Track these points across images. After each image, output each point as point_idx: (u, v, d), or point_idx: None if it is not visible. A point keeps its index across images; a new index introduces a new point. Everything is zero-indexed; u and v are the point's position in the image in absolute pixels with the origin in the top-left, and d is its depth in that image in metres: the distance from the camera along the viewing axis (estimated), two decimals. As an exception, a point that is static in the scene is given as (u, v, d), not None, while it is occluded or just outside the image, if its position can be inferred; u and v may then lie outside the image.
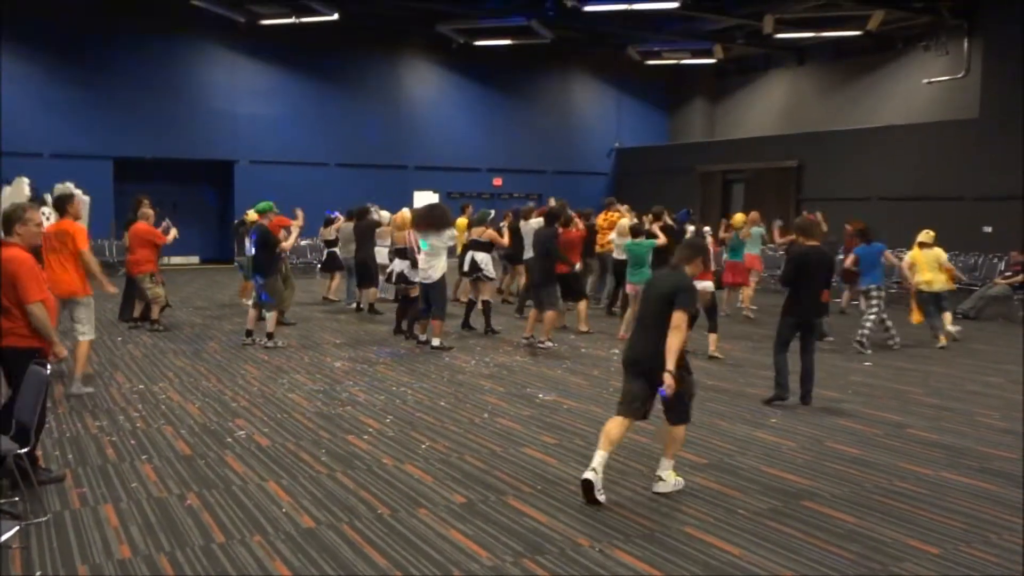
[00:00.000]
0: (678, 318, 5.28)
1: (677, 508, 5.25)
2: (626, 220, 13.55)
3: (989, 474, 6.04)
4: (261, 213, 11.12)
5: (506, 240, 12.83)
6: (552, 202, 14.67)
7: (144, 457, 6.15)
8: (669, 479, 5.56)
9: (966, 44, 20.77)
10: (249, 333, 10.93)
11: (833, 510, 5.25)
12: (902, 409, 8.01)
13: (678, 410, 5.52)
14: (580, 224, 13.01)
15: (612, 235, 13.23)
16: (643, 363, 5.43)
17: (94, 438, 6.62)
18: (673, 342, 5.23)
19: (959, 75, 20.95)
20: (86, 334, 7.97)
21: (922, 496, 5.53)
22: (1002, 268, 16.57)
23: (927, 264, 11.88)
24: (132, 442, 6.53)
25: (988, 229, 18.43)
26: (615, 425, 5.42)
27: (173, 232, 12.29)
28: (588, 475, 5.27)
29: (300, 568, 4.31)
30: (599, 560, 4.46)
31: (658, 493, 5.50)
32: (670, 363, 5.20)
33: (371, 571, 4.29)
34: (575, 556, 4.50)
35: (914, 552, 4.62)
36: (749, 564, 4.43)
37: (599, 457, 5.32)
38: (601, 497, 5.24)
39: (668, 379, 5.18)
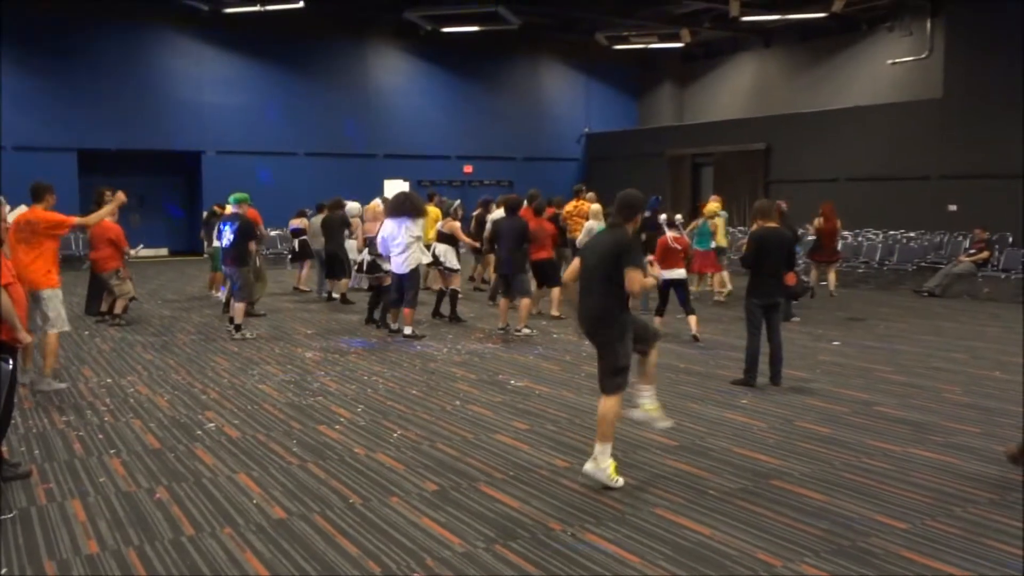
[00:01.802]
0: (632, 277, 5.16)
1: (648, 490, 5.28)
2: (597, 206, 13.57)
3: (954, 449, 6.13)
4: (238, 204, 10.99)
5: (469, 241, 12.76)
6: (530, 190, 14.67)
7: (112, 451, 6.08)
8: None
9: (929, 25, 20.99)
10: (238, 328, 10.79)
11: (802, 488, 5.31)
12: (869, 387, 8.11)
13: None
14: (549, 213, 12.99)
15: (590, 221, 13.25)
16: (593, 329, 5.43)
17: (61, 433, 6.54)
18: (638, 294, 5.39)
19: (923, 56, 21.18)
20: (55, 326, 7.84)
21: (889, 472, 5.61)
22: (966, 246, 16.82)
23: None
24: (100, 436, 6.46)
25: (953, 208, 18.70)
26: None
27: (137, 250, 12.07)
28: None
29: (271, 559, 4.29)
30: (571, 544, 4.47)
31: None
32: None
33: (343, 560, 4.28)
34: (547, 541, 4.52)
35: (881, 527, 4.68)
36: (719, 544, 4.46)
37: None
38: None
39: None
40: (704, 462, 5.84)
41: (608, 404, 5.38)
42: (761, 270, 8.03)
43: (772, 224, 8.22)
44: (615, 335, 5.34)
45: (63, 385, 8.07)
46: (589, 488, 5.31)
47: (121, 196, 9.05)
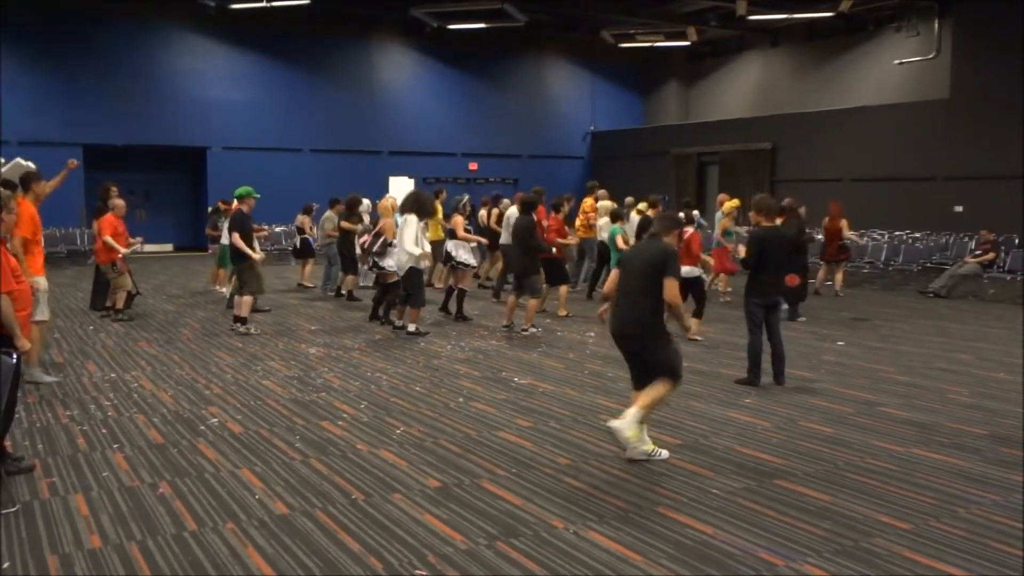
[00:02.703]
0: (670, 286, 5.65)
1: (651, 488, 5.27)
2: (608, 203, 13.59)
3: (958, 450, 6.11)
4: (240, 198, 10.99)
5: (469, 237, 12.59)
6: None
7: (115, 446, 6.09)
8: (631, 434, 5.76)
9: (937, 25, 20.92)
10: (244, 321, 10.79)
11: (806, 488, 5.29)
12: (874, 387, 8.09)
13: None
14: (565, 208, 12.96)
15: (601, 219, 13.26)
16: (629, 334, 5.80)
17: (64, 427, 6.55)
18: (677, 307, 5.75)
19: (930, 56, 21.11)
20: (36, 315, 7.78)
21: (893, 473, 5.59)
22: (972, 247, 16.77)
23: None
24: (103, 431, 6.47)
25: (959, 209, 18.65)
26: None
27: (138, 242, 11.98)
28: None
29: (273, 555, 4.29)
30: (573, 542, 4.47)
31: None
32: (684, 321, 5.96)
33: (345, 556, 4.28)
34: (549, 538, 4.51)
35: (885, 528, 4.67)
36: (722, 543, 4.46)
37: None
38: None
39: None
40: (707, 461, 5.83)
41: (661, 387, 5.73)
42: (762, 270, 8.00)
43: (771, 223, 8.19)
44: (650, 336, 5.76)
45: (55, 378, 8.04)
46: (592, 486, 5.30)
47: (71, 163, 9.50)
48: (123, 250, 11.26)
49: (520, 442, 6.26)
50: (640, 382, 5.88)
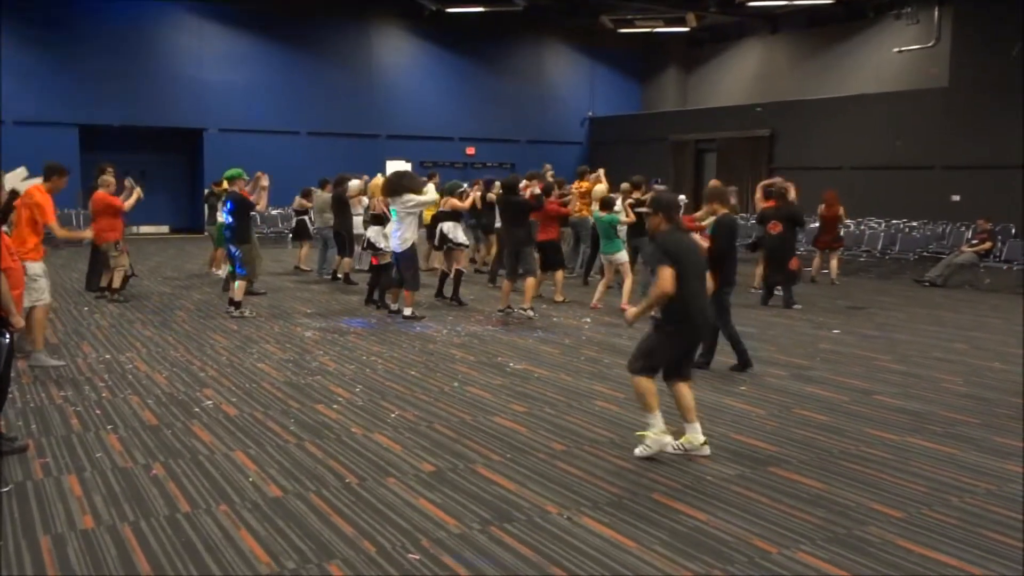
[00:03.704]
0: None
1: (645, 475, 5.27)
2: (603, 186, 13.55)
3: (952, 438, 6.12)
4: (230, 180, 10.95)
5: (467, 203, 12.56)
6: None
7: (109, 427, 6.08)
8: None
9: (936, 13, 20.85)
10: (239, 305, 10.76)
11: (800, 476, 5.30)
12: (869, 376, 8.09)
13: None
14: (557, 191, 12.94)
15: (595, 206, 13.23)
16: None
17: (59, 408, 6.53)
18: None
19: (929, 44, 21.05)
20: (41, 299, 7.79)
21: (887, 461, 5.60)
22: (968, 236, 16.77)
23: None
24: (97, 412, 6.45)
25: (956, 198, 18.64)
26: (644, 384, 5.63)
27: (137, 193, 11.93)
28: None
29: (266, 537, 4.28)
30: (567, 527, 4.47)
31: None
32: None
33: (338, 540, 4.27)
34: (543, 523, 4.51)
35: (878, 516, 4.68)
36: (715, 530, 4.46)
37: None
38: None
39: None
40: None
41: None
42: (729, 257, 7.89)
43: (727, 210, 8.05)
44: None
45: (60, 362, 8.04)
46: (586, 472, 5.30)
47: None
48: (129, 203, 11.52)
49: (515, 427, 6.25)
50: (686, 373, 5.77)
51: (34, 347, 7.88)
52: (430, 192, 10.94)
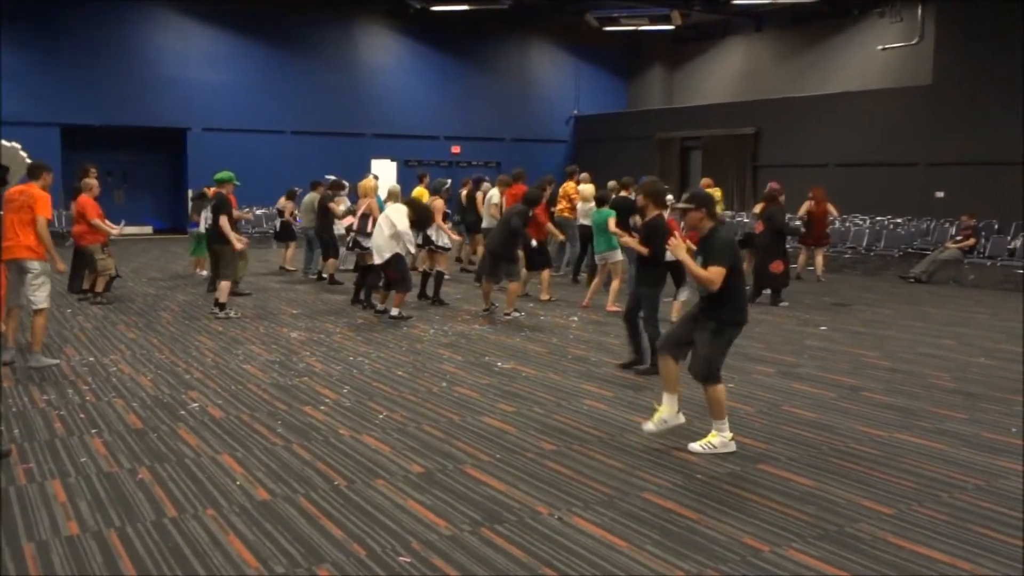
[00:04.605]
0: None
1: (635, 474, 5.26)
2: (590, 187, 13.53)
3: (940, 435, 6.13)
4: (220, 183, 10.87)
5: (446, 226, 12.53)
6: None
7: (94, 431, 6.01)
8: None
9: (920, 11, 20.92)
10: (224, 306, 10.68)
11: (789, 473, 5.29)
12: (857, 372, 8.11)
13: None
14: (548, 192, 12.91)
15: (584, 203, 13.21)
16: None
17: (41, 412, 6.46)
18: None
19: (913, 41, 21.12)
20: (40, 303, 7.73)
21: (876, 458, 5.60)
22: (953, 233, 16.86)
23: None
24: (81, 416, 6.38)
25: (940, 194, 18.72)
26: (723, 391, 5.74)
27: (119, 230, 11.88)
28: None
29: (255, 541, 4.24)
30: (558, 528, 4.44)
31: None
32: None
33: (328, 543, 4.23)
34: (534, 524, 4.48)
35: (868, 512, 4.67)
36: (706, 528, 4.44)
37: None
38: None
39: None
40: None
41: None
42: (662, 258, 7.70)
43: (659, 211, 7.76)
44: None
45: (55, 361, 8.01)
46: (576, 471, 5.28)
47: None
48: (112, 230, 11.37)
49: (504, 427, 6.23)
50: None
51: (32, 350, 7.83)
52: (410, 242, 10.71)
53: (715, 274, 5.45)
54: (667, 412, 5.86)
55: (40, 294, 7.70)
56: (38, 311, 7.73)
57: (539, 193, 11.54)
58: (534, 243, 11.71)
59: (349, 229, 11.51)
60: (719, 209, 14.06)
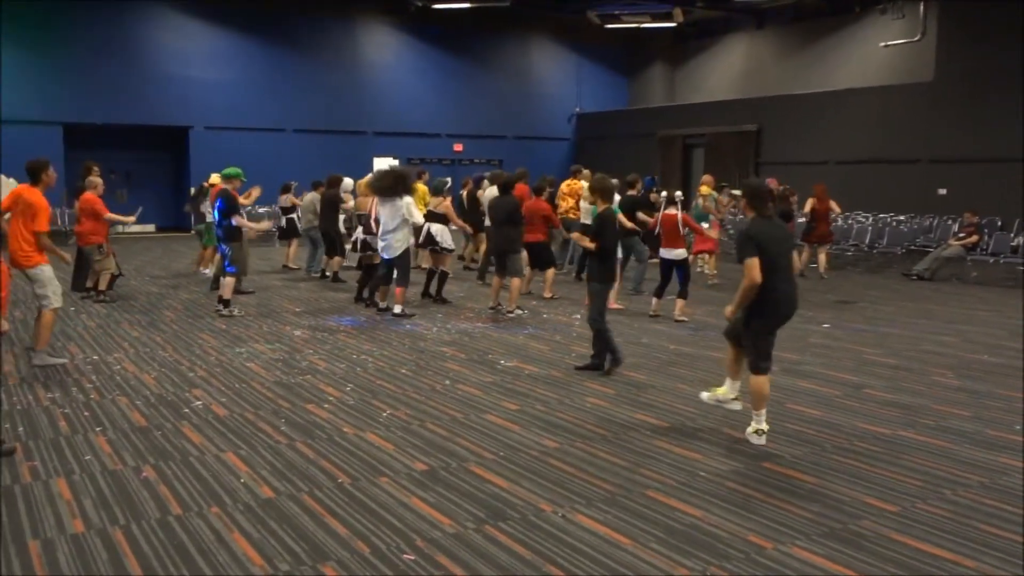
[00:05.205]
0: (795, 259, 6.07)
1: (639, 471, 5.26)
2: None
3: (944, 432, 6.13)
4: (227, 179, 10.83)
5: (460, 221, 12.62)
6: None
7: (98, 429, 6.02)
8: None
9: (922, 7, 20.87)
10: (228, 303, 10.68)
11: (793, 471, 5.30)
12: (860, 370, 8.11)
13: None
14: (548, 191, 12.91)
15: (586, 202, 13.20)
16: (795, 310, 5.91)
17: (46, 410, 6.47)
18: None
19: (915, 38, 21.08)
20: (51, 303, 7.76)
21: (880, 455, 5.60)
22: (955, 230, 16.84)
23: None
24: (86, 414, 6.39)
25: (943, 192, 18.69)
26: (765, 385, 5.83)
27: (134, 216, 12.28)
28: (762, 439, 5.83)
29: (259, 539, 4.24)
30: (561, 525, 4.45)
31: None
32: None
33: (332, 540, 4.24)
34: (538, 521, 4.49)
35: (873, 510, 4.68)
36: (710, 526, 4.45)
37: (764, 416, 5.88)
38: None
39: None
40: (695, 444, 5.83)
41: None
42: (612, 254, 7.72)
43: (607, 205, 7.80)
44: None
45: (63, 360, 8.03)
46: (580, 469, 5.28)
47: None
48: (127, 220, 11.88)
49: (507, 425, 6.23)
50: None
51: (36, 347, 7.86)
52: (416, 216, 10.67)
53: (746, 267, 5.64)
54: (723, 392, 6.23)
55: (48, 295, 7.72)
56: (46, 311, 7.76)
57: (513, 178, 11.53)
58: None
59: (350, 226, 11.48)
60: (710, 203, 14.03)
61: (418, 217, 10.58)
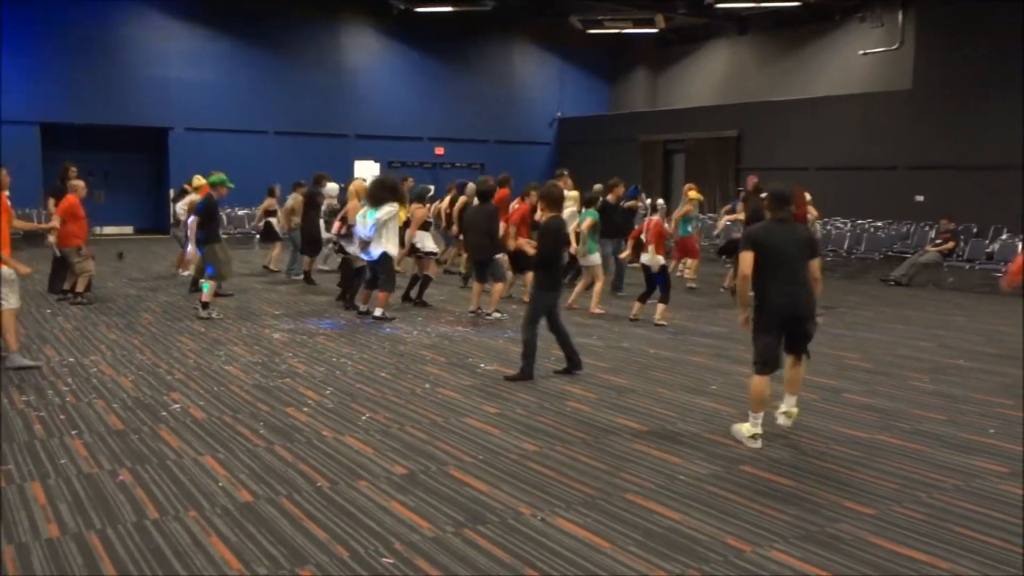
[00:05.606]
0: (817, 266, 5.96)
1: (618, 475, 5.27)
2: (574, 192, 13.54)
3: (920, 435, 6.19)
4: (213, 185, 10.77)
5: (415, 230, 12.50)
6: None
7: (74, 432, 5.96)
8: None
9: (900, 16, 21.10)
10: (207, 306, 10.61)
11: (772, 474, 5.32)
12: (837, 374, 8.17)
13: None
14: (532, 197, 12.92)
15: (568, 208, 13.20)
16: (809, 315, 5.93)
17: (20, 413, 6.40)
18: (818, 288, 5.98)
19: (893, 46, 21.30)
20: (9, 302, 7.66)
21: (857, 459, 5.64)
22: (932, 236, 17.00)
23: None
24: (61, 417, 6.33)
25: (920, 198, 18.88)
26: (765, 385, 5.89)
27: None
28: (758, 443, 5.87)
29: (237, 543, 4.22)
30: (541, 528, 4.45)
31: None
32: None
33: (311, 544, 4.22)
34: (517, 525, 4.49)
35: (850, 513, 4.71)
36: (689, 529, 4.46)
37: (759, 420, 5.91)
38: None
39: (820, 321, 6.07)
40: (674, 447, 5.84)
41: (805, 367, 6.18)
42: (556, 261, 7.67)
43: (559, 212, 7.74)
44: (813, 314, 6.01)
45: (38, 363, 7.93)
46: (559, 472, 5.29)
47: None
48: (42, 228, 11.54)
49: (487, 428, 6.23)
50: (780, 363, 6.07)
51: (8, 349, 7.76)
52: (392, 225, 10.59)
53: (740, 258, 5.85)
54: (787, 405, 6.37)
55: (7, 294, 7.61)
56: (5, 310, 7.63)
57: (491, 186, 11.51)
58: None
59: (338, 234, 11.43)
60: (691, 211, 13.99)
61: (398, 211, 10.46)
